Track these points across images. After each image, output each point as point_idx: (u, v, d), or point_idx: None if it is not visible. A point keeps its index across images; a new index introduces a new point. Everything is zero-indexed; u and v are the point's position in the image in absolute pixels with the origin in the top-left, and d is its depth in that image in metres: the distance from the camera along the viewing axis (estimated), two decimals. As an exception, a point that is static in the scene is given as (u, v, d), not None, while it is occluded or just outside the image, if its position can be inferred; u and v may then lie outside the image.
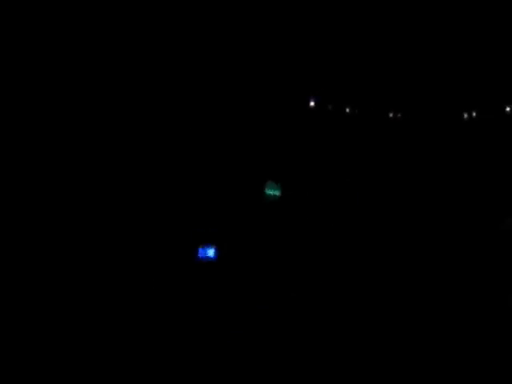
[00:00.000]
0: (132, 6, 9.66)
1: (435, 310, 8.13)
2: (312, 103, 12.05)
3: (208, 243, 9.31)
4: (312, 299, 8.46)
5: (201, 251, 9.26)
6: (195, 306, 8.18)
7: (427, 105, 11.98)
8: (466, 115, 11.74)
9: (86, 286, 8.05)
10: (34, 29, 8.97)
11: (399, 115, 12.23)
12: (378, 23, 11.57)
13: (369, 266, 9.41)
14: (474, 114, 11.71)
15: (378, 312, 8.21)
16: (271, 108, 11.45)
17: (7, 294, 7.57)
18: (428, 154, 11.95)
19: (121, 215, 9.16)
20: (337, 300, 8.44)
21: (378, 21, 11.56)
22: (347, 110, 12.26)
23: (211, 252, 9.28)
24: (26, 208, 8.59)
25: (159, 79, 10.25)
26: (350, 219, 11.07)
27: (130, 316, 7.75)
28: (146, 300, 8.06)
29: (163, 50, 10.32)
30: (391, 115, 12.24)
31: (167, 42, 10.19)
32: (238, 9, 10.89)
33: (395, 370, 6.95)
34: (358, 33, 11.69)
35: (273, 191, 10.62)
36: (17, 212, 8.51)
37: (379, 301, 8.39)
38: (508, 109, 11.38)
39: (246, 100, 11.22)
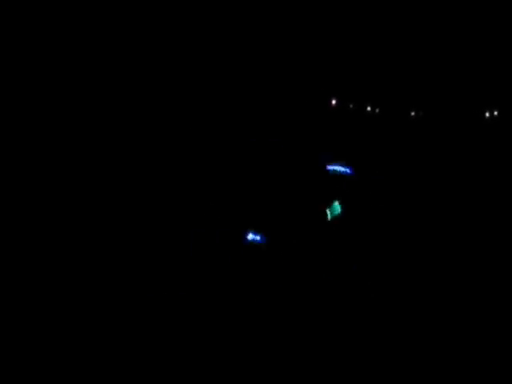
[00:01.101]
0: (132, 6, 9.72)
1: (435, 309, 8.09)
2: (334, 101, 12.02)
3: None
4: (312, 299, 8.50)
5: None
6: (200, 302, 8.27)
7: (449, 103, 11.81)
8: (487, 114, 11.52)
9: (88, 286, 8.21)
10: (34, 29, 9.08)
11: (421, 113, 12.08)
12: (402, 24, 11.46)
13: (370, 265, 9.39)
14: (496, 113, 11.48)
15: (378, 312, 8.21)
16: (292, 106, 11.47)
17: (7, 294, 7.76)
18: (450, 153, 11.79)
19: (127, 213, 9.29)
20: (337, 299, 8.45)
21: (401, 22, 11.44)
22: (368, 108, 12.18)
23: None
24: (25, 208, 8.76)
25: (173, 79, 10.33)
26: (367, 216, 11.03)
27: (136, 313, 7.90)
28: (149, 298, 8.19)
29: (178, 50, 10.39)
30: (413, 114, 12.10)
31: (170, 41, 10.25)
32: (260, 9, 10.92)
33: (395, 370, 6.95)
34: (381, 33, 11.60)
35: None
36: (17, 212, 8.68)
37: (379, 300, 8.38)
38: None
39: (266, 99, 11.26)
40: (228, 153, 10.58)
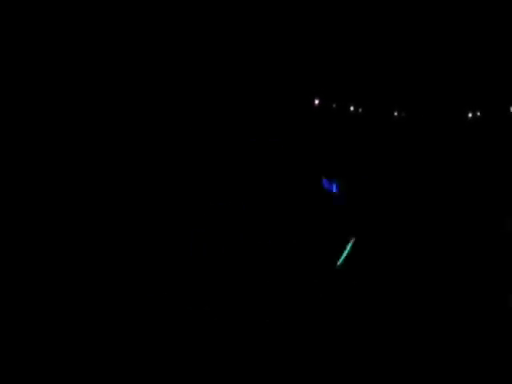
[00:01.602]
0: (132, 6, 9.66)
1: (435, 311, 8.14)
2: (316, 101, 12.03)
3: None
4: (312, 298, 8.49)
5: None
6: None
7: (432, 104, 11.93)
8: (470, 115, 11.70)
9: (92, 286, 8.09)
10: (34, 29, 8.98)
11: (403, 114, 12.19)
12: (383, 22, 11.54)
13: (368, 266, 9.42)
14: (479, 114, 11.66)
15: (378, 312, 8.22)
16: (275, 106, 11.46)
17: (7, 294, 7.62)
18: (432, 153, 11.91)
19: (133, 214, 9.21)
20: (337, 299, 8.46)
21: (382, 19, 11.52)
22: (351, 108, 12.23)
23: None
24: (26, 208, 8.63)
25: (161, 79, 10.26)
26: (353, 219, 11.07)
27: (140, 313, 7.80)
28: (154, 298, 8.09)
29: (163, 50, 10.32)
30: (396, 114, 12.20)
31: (167, 41, 10.19)
32: (241, 8, 10.89)
33: (395, 371, 6.96)
34: (362, 31, 11.67)
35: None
36: (17, 212, 8.55)
37: (379, 301, 8.41)
38: (512, 109, 11.33)
39: (250, 99, 11.24)
40: (217, 153, 10.54)
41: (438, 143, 11.85)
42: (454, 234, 10.21)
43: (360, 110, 12.21)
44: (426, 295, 8.50)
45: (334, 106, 12.17)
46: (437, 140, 11.87)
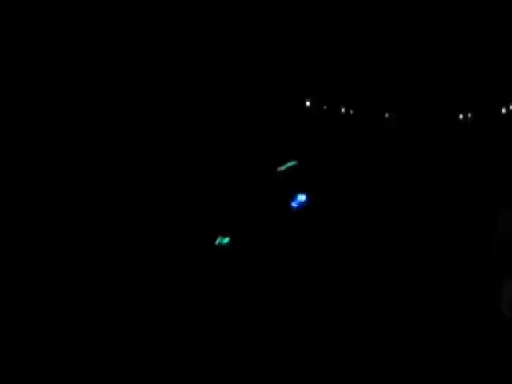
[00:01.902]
0: (132, 6, 9.64)
1: (431, 312, 8.15)
2: (308, 103, 12.06)
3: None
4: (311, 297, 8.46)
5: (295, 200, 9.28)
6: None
7: (423, 105, 12.03)
8: (461, 116, 11.81)
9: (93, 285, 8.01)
10: (34, 29, 8.93)
11: (394, 115, 12.27)
12: (374, 23, 11.60)
13: (365, 266, 9.42)
14: (470, 115, 11.77)
15: (372, 316, 8.21)
16: (267, 108, 11.46)
17: (7, 294, 7.53)
18: (424, 154, 11.98)
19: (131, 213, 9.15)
20: (336, 298, 8.44)
21: (373, 21, 11.58)
22: (342, 109, 12.28)
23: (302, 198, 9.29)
24: (25, 208, 8.56)
25: (153, 79, 10.23)
26: (347, 220, 11.07)
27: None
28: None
29: (156, 50, 10.29)
30: (387, 115, 12.28)
31: (160, 41, 10.17)
32: (234, 9, 10.89)
33: (393, 371, 6.93)
34: (354, 32, 11.71)
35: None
36: (17, 212, 8.48)
37: (373, 305, 8.40)
38: (504, 110, 11.45)
39: (242, 100, 11.22)
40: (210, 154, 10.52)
41: (429, 143, 11.93)
42: (445, 236, 10.25)
43: (351, 111, 12.27)
44: (420, 298, 8.51)
45: (326, 107, 12.21)
46: (428, 140, 11.95)
